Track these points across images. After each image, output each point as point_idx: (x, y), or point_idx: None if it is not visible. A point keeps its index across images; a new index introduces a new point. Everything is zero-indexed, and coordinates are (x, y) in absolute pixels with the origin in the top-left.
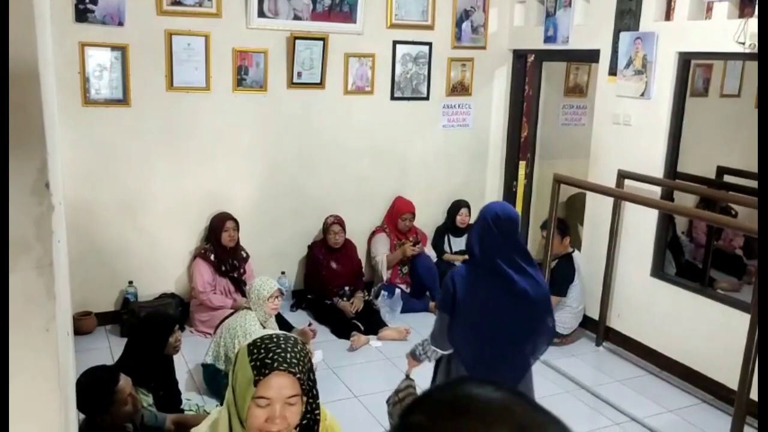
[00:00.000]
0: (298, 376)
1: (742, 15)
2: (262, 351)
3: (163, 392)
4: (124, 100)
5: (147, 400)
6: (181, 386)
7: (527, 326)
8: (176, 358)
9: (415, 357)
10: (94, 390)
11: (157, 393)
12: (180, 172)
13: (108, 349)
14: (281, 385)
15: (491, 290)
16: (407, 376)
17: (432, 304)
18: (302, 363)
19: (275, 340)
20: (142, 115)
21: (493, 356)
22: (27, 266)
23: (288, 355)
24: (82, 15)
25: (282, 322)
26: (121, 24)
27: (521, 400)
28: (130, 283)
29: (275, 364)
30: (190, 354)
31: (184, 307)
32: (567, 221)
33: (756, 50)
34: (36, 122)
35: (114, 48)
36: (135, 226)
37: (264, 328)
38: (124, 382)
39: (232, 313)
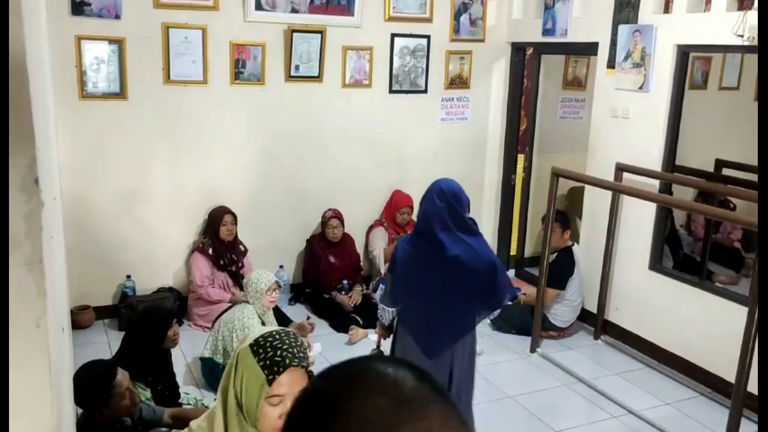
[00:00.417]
0: (309, 369)
1: (741, 8)
2: (269, 350)
3: (162, 386)
4: (121, 94)
5: (145, 394)
6: (180, 380)
7: (462, 291)
8: (174, 352)
9: (382, 325)
10: (91, 384)
11: (156, 387)
12: (178, 166)
13: (106, 343)
14: (294, 381)
15: (426, 255)
16: (377, 347)
17: None
18: (307, 356)
19: (278, 337)
20: (139, 109)
21: (427, 316)
22: (16, 263)
23: (295, 350)
24: (78, 8)
25: (280, 316)
26: (117, 17)
27: (417, 377)
28: (128, 277)
29: (287, 361)
30: (188, 348)
31: (182, 301)
32: (567, 213)
33: (755, 43)
34: (24, 118)
35: (111, 41)
36: (133, 219)
37: (262, 321)
38: (122, 376)
39: (229, 307)
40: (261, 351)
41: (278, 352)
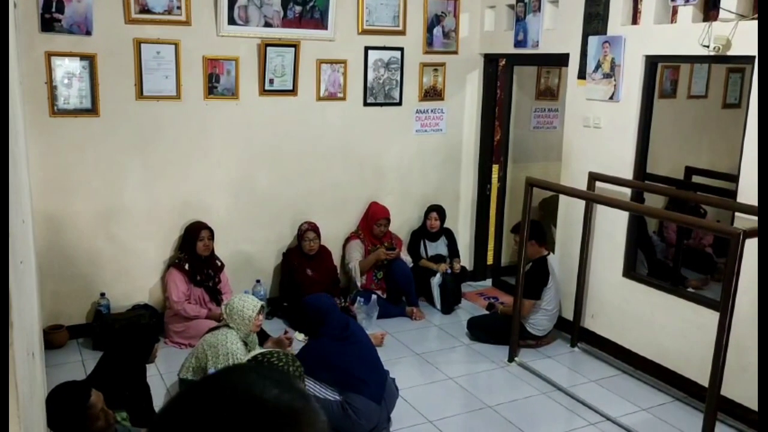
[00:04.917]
0: None
1: (706, 18)
2: None
3: (138, 400)
4: (93, 110)
5: (121, 414)
6: (156, 400)
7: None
8: (151, 370)
9: None
10: (65, 407)
11: (133, 402)
12: (152, 182)
13: (80, 363)
14: None
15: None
16: None
17: (409, 308)
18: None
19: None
20: (111, 125)
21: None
22: None
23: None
24: (48, 25)
25: (258, 332)
26: (88, 33)
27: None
28: (102, 295)
29: None
30: (164, 365)
31: (158, 318)
32: (541, 224)
33: (720, 53)
34: None
35: (82, 57)
36: (106, 236)
37: (246, 345)
38: (96, 397)
39: (214, 328)
40: None
41: None
